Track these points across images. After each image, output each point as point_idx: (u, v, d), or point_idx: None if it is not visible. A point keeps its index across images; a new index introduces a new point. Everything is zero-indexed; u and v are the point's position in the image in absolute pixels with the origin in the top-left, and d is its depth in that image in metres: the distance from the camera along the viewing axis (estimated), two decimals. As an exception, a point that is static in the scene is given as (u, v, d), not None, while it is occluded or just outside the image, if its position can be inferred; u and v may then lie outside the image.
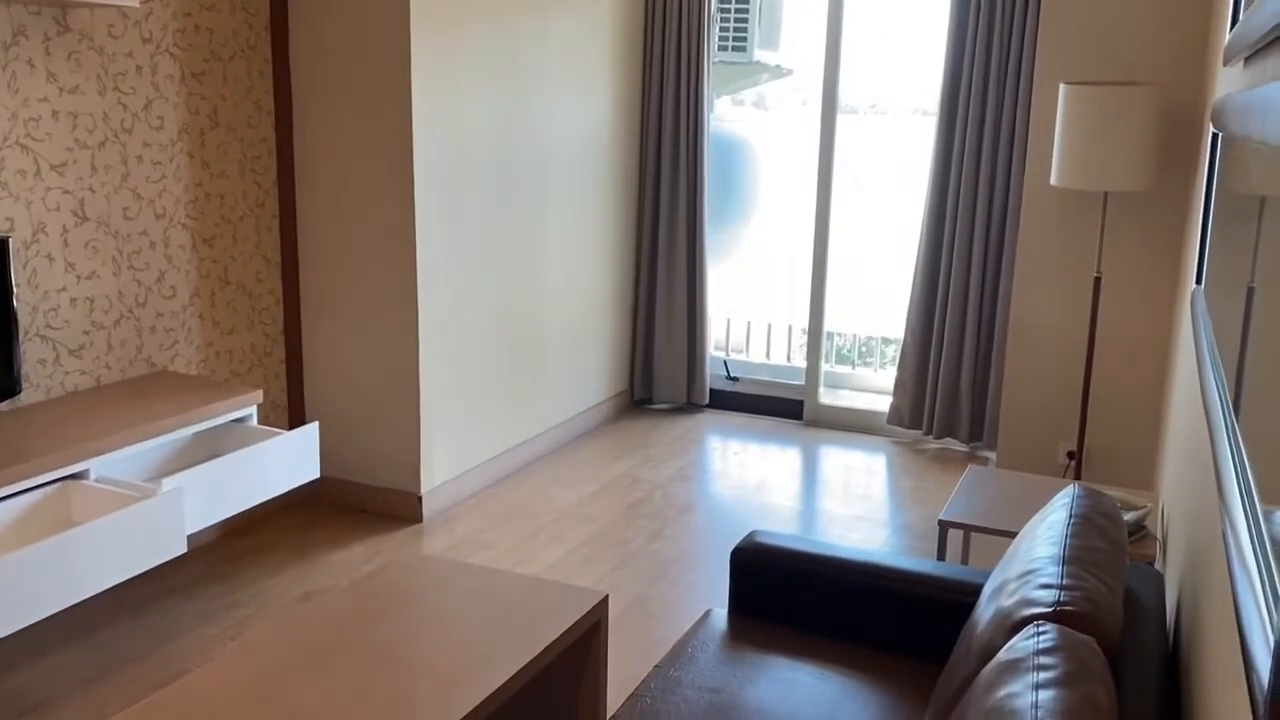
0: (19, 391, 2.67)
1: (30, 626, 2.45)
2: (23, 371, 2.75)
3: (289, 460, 3.00)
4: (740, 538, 3.63)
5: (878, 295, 5.21)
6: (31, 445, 2.53)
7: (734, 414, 5.08)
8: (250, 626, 2.95)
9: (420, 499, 3.68)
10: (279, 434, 2.99)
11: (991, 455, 4.45)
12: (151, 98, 3.10)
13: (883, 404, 4.80)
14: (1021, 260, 3.84)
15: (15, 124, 2.74)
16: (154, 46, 3.08)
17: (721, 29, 5.04)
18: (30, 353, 2.85)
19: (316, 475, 3.10)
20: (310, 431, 3.06)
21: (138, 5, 2.80)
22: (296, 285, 3.69)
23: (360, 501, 3.77)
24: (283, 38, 3.50)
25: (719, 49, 5.02)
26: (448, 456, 3.79)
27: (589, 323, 4.67)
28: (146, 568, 2.49)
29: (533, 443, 4.32)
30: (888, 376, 4.91)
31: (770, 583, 2.25)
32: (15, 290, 2.63)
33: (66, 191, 2.89)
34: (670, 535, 3.66)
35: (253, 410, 3.08)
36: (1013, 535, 2.58)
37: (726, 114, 5.34)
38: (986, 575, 2.11)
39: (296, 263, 3.68)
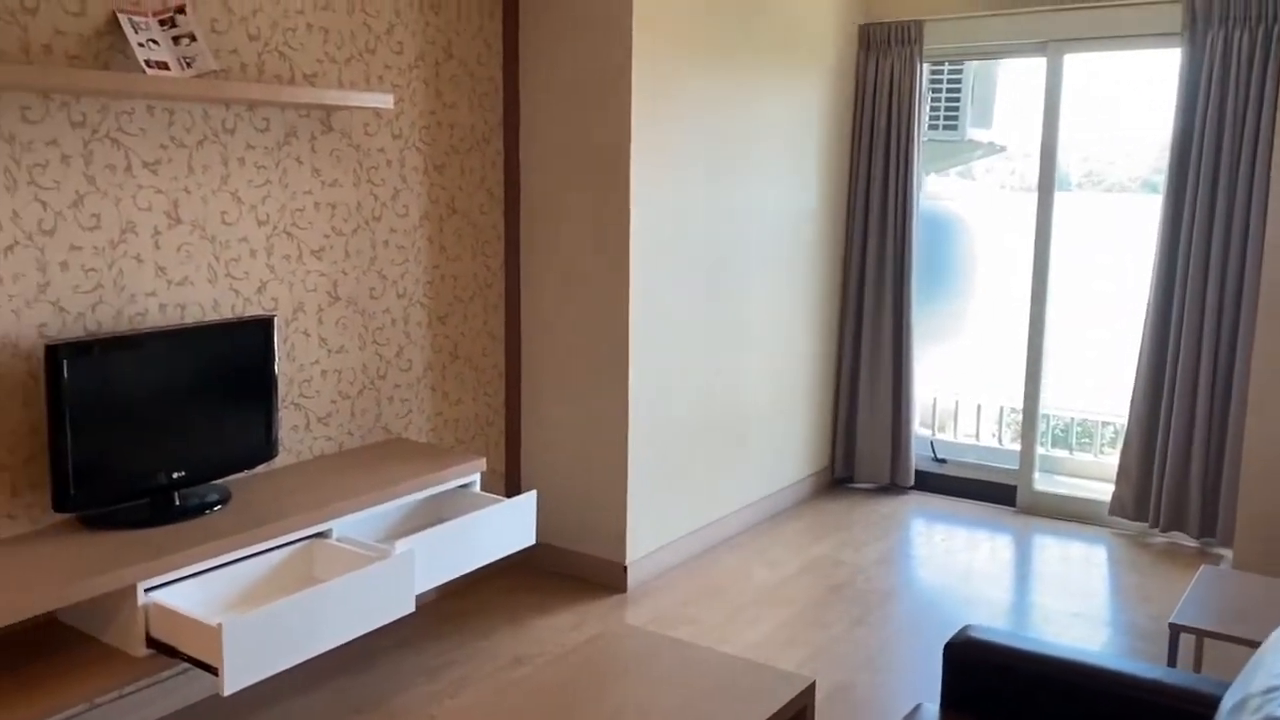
0: (275, 456, 2.95)
1: (272, 675, 2.68)
2: (279, 437, 3.04)
3: (508, 526, 3.15)
4: (947, 628, 3.53)
5: (1097, 376, 4.99)
6: (282, 506, 2.78)
7: (940, 497, 4.95)
8: (467, 685, 3.10)
9: (625, 569, 3.77)
10: (500, 501, 3.16)
11: (1226, 553, 4.15)
12: (399, 188, 3.39)
13: (1103, 492, 4.56)
14: (1262, 340, 3.60)
15: (284, 214, 3.06)
16: (403, 142, 3.39)
17: (932, 107, 5.04)
18: (285, 419, 3.14)
19: (533, 542, 3.25)
20: (528, 500, 3.21)
21: (391, 106, 3.09)
22: (518, 360, 3.91)
23: (569, 568, 3.90)
24: (514, 131, 3.77)
25: (929, 127, 5.01)
26: (652, 528, 3.88)
27: (791, 399, 4.69)
28: (379, 625, 2.67)
29: (733, 518, 4.36)
30: (1108, 463, 4.67)
31: (984, 680, 2.18)
32: (277, 363, 2.92)
33: (323, 274, 3.20)
34: (874, 622, 3.60)
35: (476, 477, 3.27)
36: (1255, 644, 2.40)
37: (935, 188, 5.29)
38: (1224, 687, 1.98)
39: (519, 339, 3.90)
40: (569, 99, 3.65)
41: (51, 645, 2.47)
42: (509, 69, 3.74)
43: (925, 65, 4.76)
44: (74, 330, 2.60)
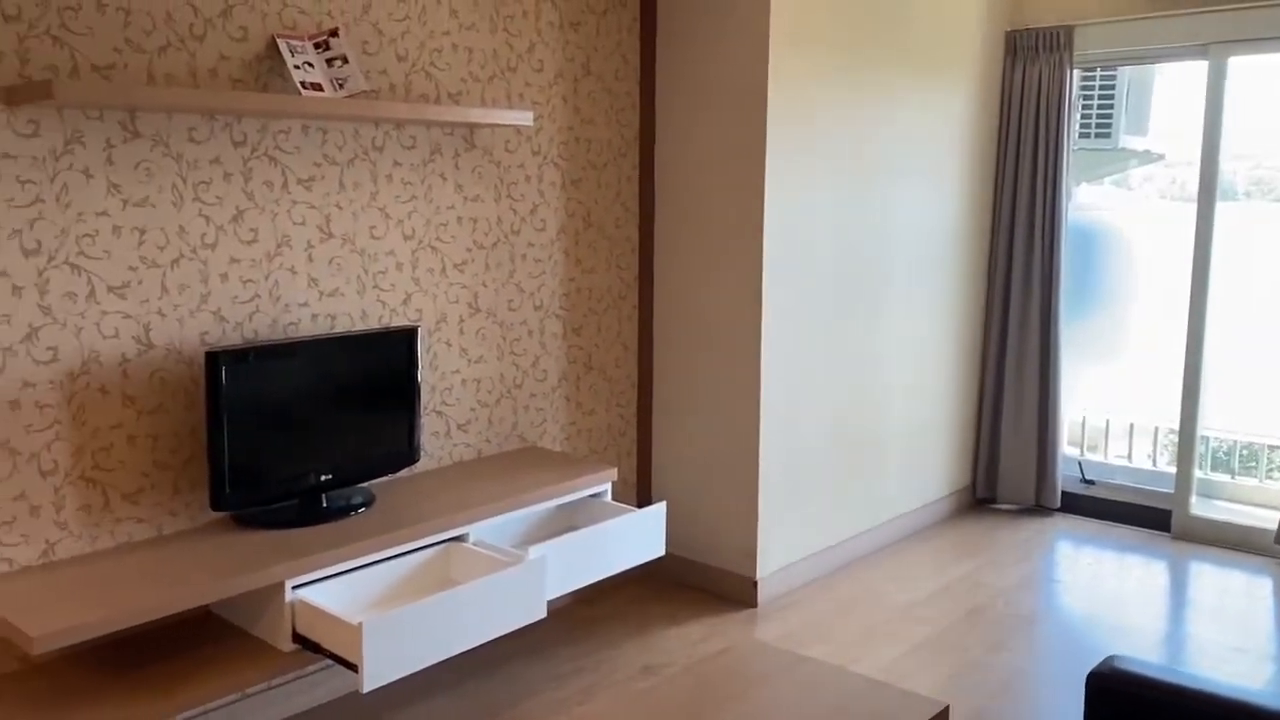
0: (417, 460, 3.05)
1: (410, 674, 2.77)
2: (421, 442, 3.14)
3: (638, 537, 3.17)
4: (1092, 657, 3.36)
5: (1263, 396, 4.69)
6: (422, 510, 2.87)
7: (1088, 520, 4.74)
8: (595, 694, 3.13)
9: (756, 584, 3.74)
10: (631, 511, 3.19)
11: None
12: (537, 203, 3.47)
13: (1269, 519, 4.28)
14: None
15: (429, 229, 3.17)
16: (541, 158, 3.46)
17: (1083, 115, 4.84)
18: (427, 426, 3.25)
19: (662, 553, 3.26)
20: (658, 511, 3.23)
21: (531, 123, 3.17)
22: (650, 371, 3.93)
23: (698, 580, 3.90)
24: (650, 145, 3.80)
25: (1080, 135, 4.82)
26: (783, 543, 3.84)
27: (930, 415, 4.58)
28: (511, 629, 2.73)
29: (867, 536, 4.27)
30: (1275, 488, 4.38)
31: (1129, 714, 2.08)
32: (420, 371, 3.02)
33: (464, 286, 3.29)
34: (1014, 647, 3.47)
35: (608, 487, 3.31)
36: None
37: (1086, 198, 5.08)
38: (1403, 738, 1.83)
39: (651, 350, 3.92)
40: (705, 112, 3.67)
41: (206, 637, 2.61)
42: (646, 83, 3.78)
43: (1076, 71, 4.59)
44: (232, 338, 2.75)
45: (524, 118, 3.11)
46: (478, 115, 3.00)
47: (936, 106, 4.32)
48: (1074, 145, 4.68)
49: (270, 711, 2.94)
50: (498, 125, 3.16)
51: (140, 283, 2.56)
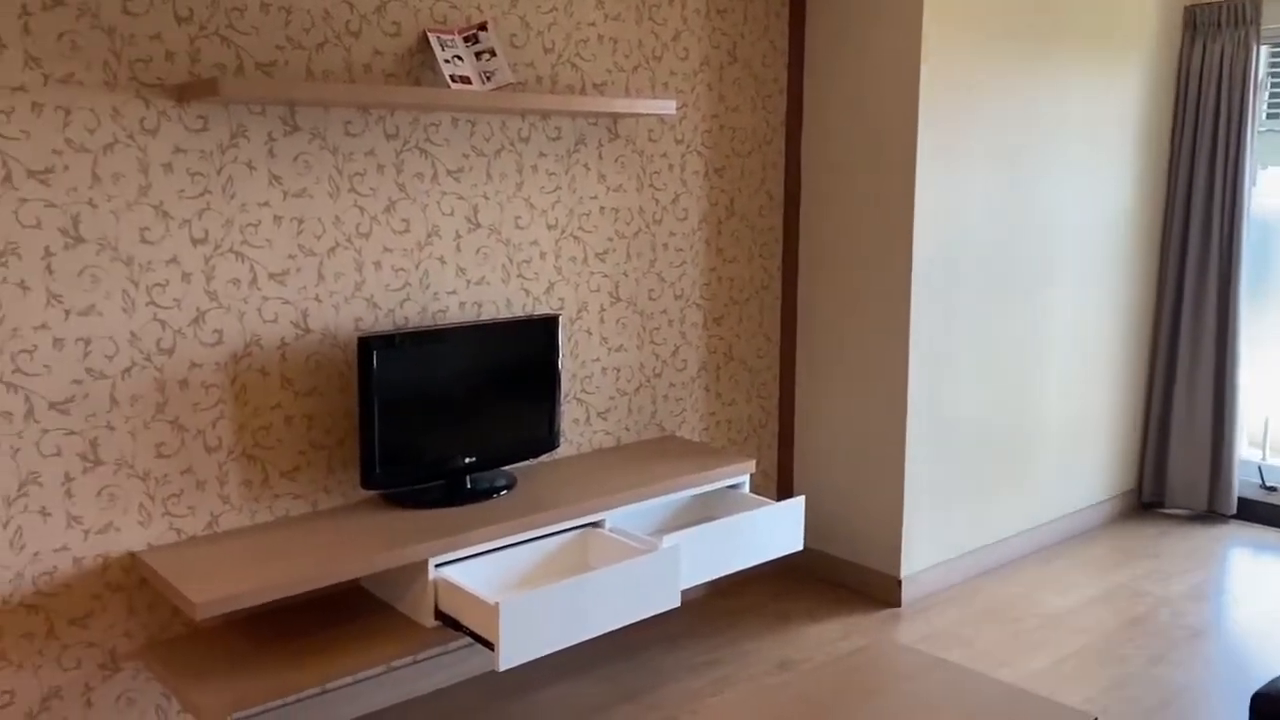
0: (557, 446, 3.10)
1: (547, 656, 2.82)
2: (561, 429, 3.19)
3: (776, 530, 3.14)
4: (1262, 676, 3.13)
5: None
6: (561, 495, 2.92)
7: (1267, 529, 4.42)
8: (730, 685, 3.11)
9: (899, 583, 3.65)
10: (769, 504, 3.15)
11: None
12: (679, 192, 3.47)
13: None
14: None
15: (572, 218, 3.21)
16: (684, 147, 3.46)
17: (1272, 94, 4.50)
18: (568, 413, 3.29)
19: (800, 547, 3.21)
20: (797, 505, 3.18)
21: (674, 112, 3.16)
22: (793, 363, 3.88)
23: (839, 576, 3.83)
24: (796, 133, 3.74)
25: (1267, 117, 4.48)
26: (929, 543, 3.73)
27: (1091, 415, 4.35)
28: (645, 615, 2.74)
29: (1022, 538, 4.10)
30: None
31: (1302, 742, 1.93)
32: (561, 359, 3.06)
33: (606, 275, 3.32)
34: (1176, 660, 3.26)
35: (746, 478, 3.28)
36: None
37: (1276, 185, 4.72)
38: None
39: (794, 342, 3.87)
40: (855, 96, 3.58)
41: (355, 610, 2.72)
42: (794, 69, 3.72)
43: (1263, 47, 4.26)
44: (384, 324, 2.86)
45: (667, 106, 3.11)
46: (622, 105, 3.01)
47: (1105, 88, 4.09)
48: (1259, 127, 4.35)
49: (414, 685, 3.05)
50: (641, 115, 3.17)
51: (299, 270, 2.69)
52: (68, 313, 2.35)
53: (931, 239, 3.52)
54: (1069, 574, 3.95)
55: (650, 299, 3.45)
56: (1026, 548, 4.13)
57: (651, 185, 3.39)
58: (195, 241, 2.51)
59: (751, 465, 3.26)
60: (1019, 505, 4.07)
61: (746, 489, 3.30)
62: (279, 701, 2.79)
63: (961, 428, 3.77)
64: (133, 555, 2.50)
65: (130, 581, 2.51)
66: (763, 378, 3.84)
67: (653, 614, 2.76)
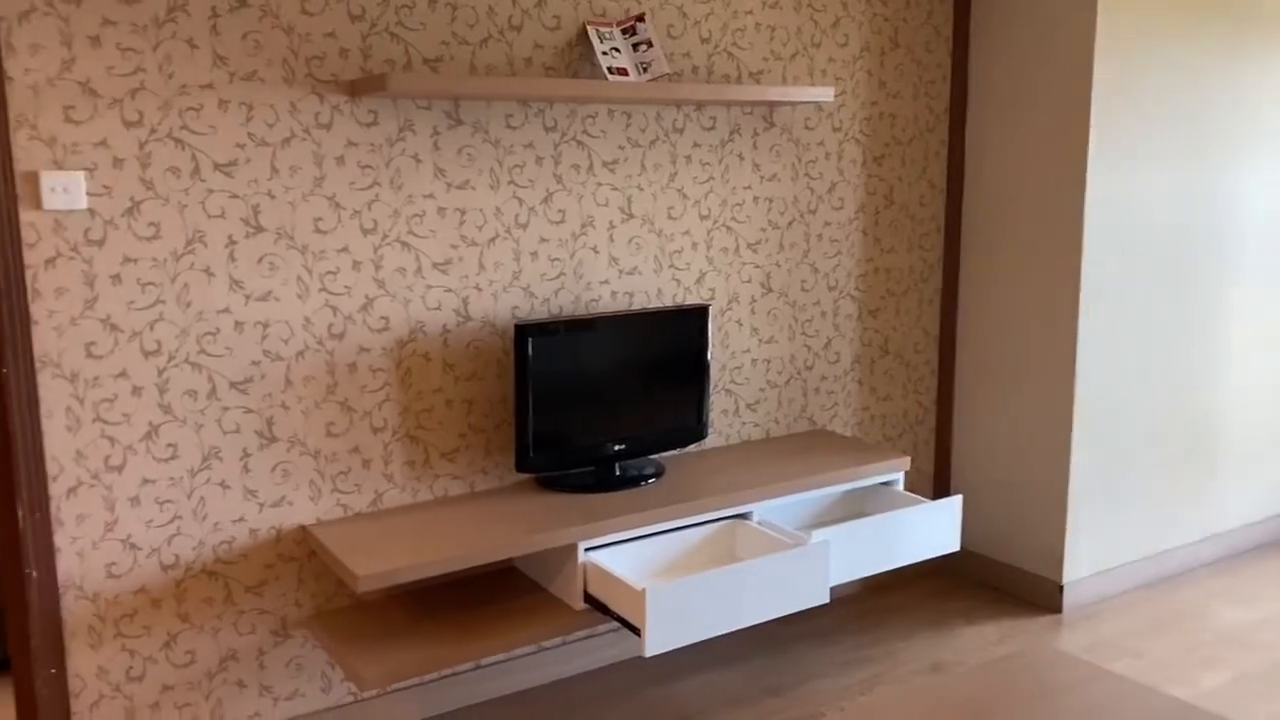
0: (705, 437, 3.10)
1: (694, 646, 2.83)
2: (710, 419, 3.19)
3: (931, 529, 3.05)
4: None
5: None
6: (709, 485, 2.92)
7: None
8: (880, 684, 3.05)
9: (1061, 588, 3.49)
10: (923, 502, 3.07)
11: None
12: (835, 181, 3.41)
13: None
14: None
15: (724, 208, 3.20)
16: (842, 135, 3.39)
17: None
18: (716, 404, 3.29)
19: (956, 548, 3.12)
20: (953, 504, 3.09)
21: (832, 99, 3.11)
22: (952, 358, 3.76)
23: (997, 579, 3.70)
24: (960, 119, 3.62)
25: None
26: (1095, 548, 3.56)
27: (1281, 418, 4.05)
28: (793, 610, 2.71)
29: (1199, 546, 3.86)
30: None
31: None
32: (710, 349, 3.06)
33: (757, 266, 3.30)
34: (1375, 687, 3.01)
35: (900, 476, 3.20)
36: None
37: None
38: None
39: (954, 336, 3.75)
40: (1023, 81, 3.44)
41: (509, 589, 2.80)
42: (958, 54, 3.60)
43: None
44: (540, 313, 2.92)
45: (825, 94, 3.06)
46: (778, 93, 2.98)
47: (1302, 67, 3.80)
48: None
49: (564, 666, 3.11)
50: (798, 102, 3.13)
51: (460, 260, 2.77)
52: (248, 298, 2.50)
53: (1104, 228, 3.35)
54: (1252, 585, 3.70)
55: (803, 290, 3.41)
56: (1204, 557, 3.89)
57: (807, 174, 3.35)
58: (365, 231, 2.62)
59: (906, 462, 3.18)
60: (1196, 511, 3.84)
61: (900, 486, 3.22)
62: (434, 675, 2.90)
63: (1132, 427, 3.57)
64: (303, 528, 2.64)
65: (300, 553, 2.65)
66: (920, 372, 3.74)
67: (801, 609, 2.73)
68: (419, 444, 2.78)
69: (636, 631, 2.49)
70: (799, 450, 3.26)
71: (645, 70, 2.86)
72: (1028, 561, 3.59)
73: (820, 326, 3.47)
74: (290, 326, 2.56)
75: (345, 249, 2.61)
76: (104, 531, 2.40)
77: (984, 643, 3.30)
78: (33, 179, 2.23)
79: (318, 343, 2.60)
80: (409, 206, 2.68)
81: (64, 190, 2.25)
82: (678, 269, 3.14)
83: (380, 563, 2.37)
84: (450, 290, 2.77)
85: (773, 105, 3.20)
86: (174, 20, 2.33)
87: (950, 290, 3.72)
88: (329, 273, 2.59)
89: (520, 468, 2.77)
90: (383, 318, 2.68)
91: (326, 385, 2.63)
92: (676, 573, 2.83)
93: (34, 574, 2.32)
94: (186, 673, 2.55)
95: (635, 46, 2.87)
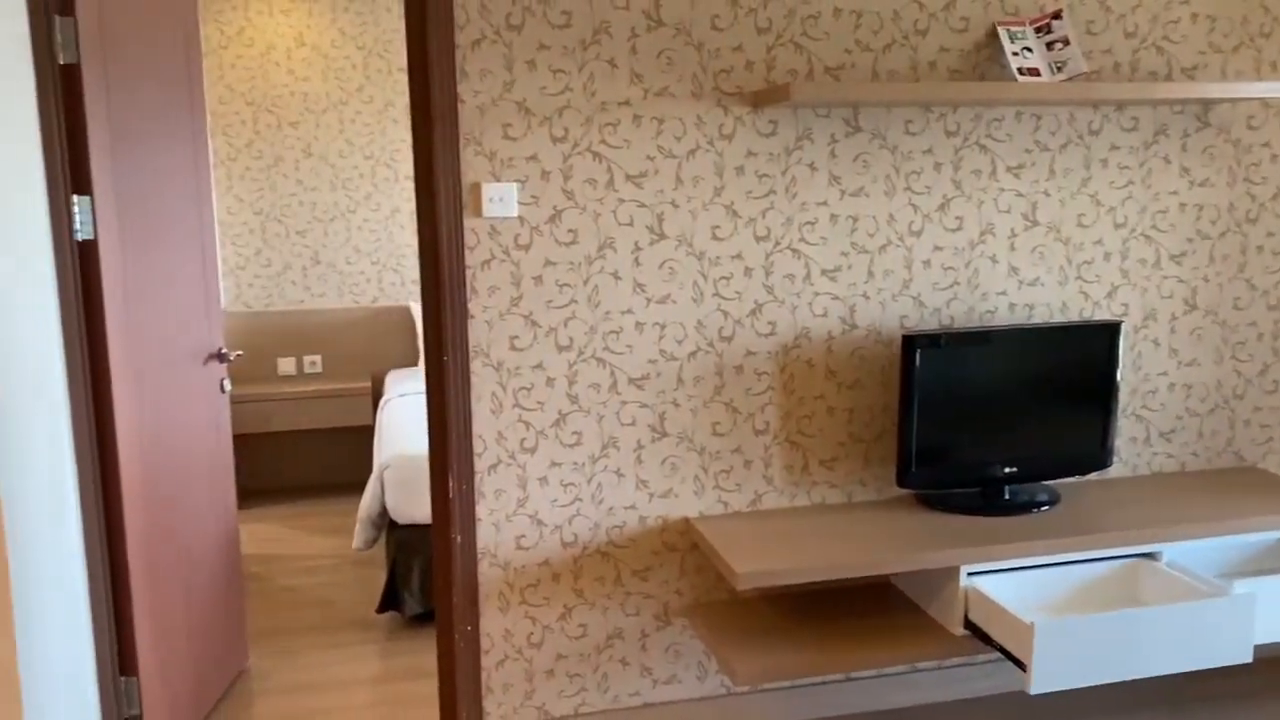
0: (1109, 465, 2.85)
1: (1083, 688, 2.60)
2: (1115, 447, 2.93)
3: (1387, 595, 2.60)
4: None
5: None
6: (1111, 518, 2.68)
7: None
8: (1309, 766, 2.65)
9: None
10: (1378, 562, 2.62)
11: None
12: (1282, 187, 3.00)
13: None
14: None
15: (1144, 216, 2.92)
16: (1293, 134, 2.98)
17: None
18: (1123, 430, 3.01)
19: None
20: None
21: (1282, 95, 2.74)
22: None
23: None
24: None
25: None
26: None
27: None
28: (1207, 665, 2.43)
29: None
30: None
31: None
32: (1120, 370, 2.81)
33: (1180, 280, 2.98)
34: None
35: (1349, 528, 2.76)
36: None
37: None
38: None
39: None
40: None
41: (883, 605, 2.75)
42: None
43: None
44: (929, 323, 2.83)
45: (1275, 89, 2.70)
46: (1217, 90, 2.67)
47: None
48: None
49: (935, 691, 3.00)
50: (1241, 99, 2.79)
51: (850, 267, 2.76)
52: (648, 300, 2.65)
53: None
54: None
55: (1235, 308, 3.03)
56: None
57: (1247, 179, 2.97)
58: (758, 239, 2.69)
59: (1358, 512, 2.73)
60: None
61: (1349, 540, 2.77)
62: (805, 680, 2.91)
63: None
64: (687, 520, 2.75)
65: (683, 544, 2.77)
66: (1380, 409, 3.20)
67: (1217, 665, 2.44)
68: (798, 449, 2.80)
69: (1021, 666, 2.34)
70: (1221, 488, 2.91)
71: (1060, 70, 2.68)
72: None
73: (1255, 350, 3.07)
74: (684, 328, 2.68)
75: (738, 255, 2.68)
76: (516, 506, 2.65)
77: None
78: (476, 190, 2.50)
79: (708, 344, 2.70)
80: (802, 214, 2.70)
81: (500, 200, 2.52)
82: (1086, 281, 2.92)
83: (760, 562, 2.41)
84: (837, 297, 2.76)
85: (1209, 103, 2.88)
86: (598, 42, 2.52)
87: None
88: (722, 278, 2.68)
89: (901, 482, 2.70)
90: (770, 323, 2.73)
91: (714, 386, 2.73)
92: (1064, 609, 2.63)
93: (459, 539, 2.61)
94: (578, 644, 2.76)
95: (1049, 45, 2.70)
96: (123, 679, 2.59)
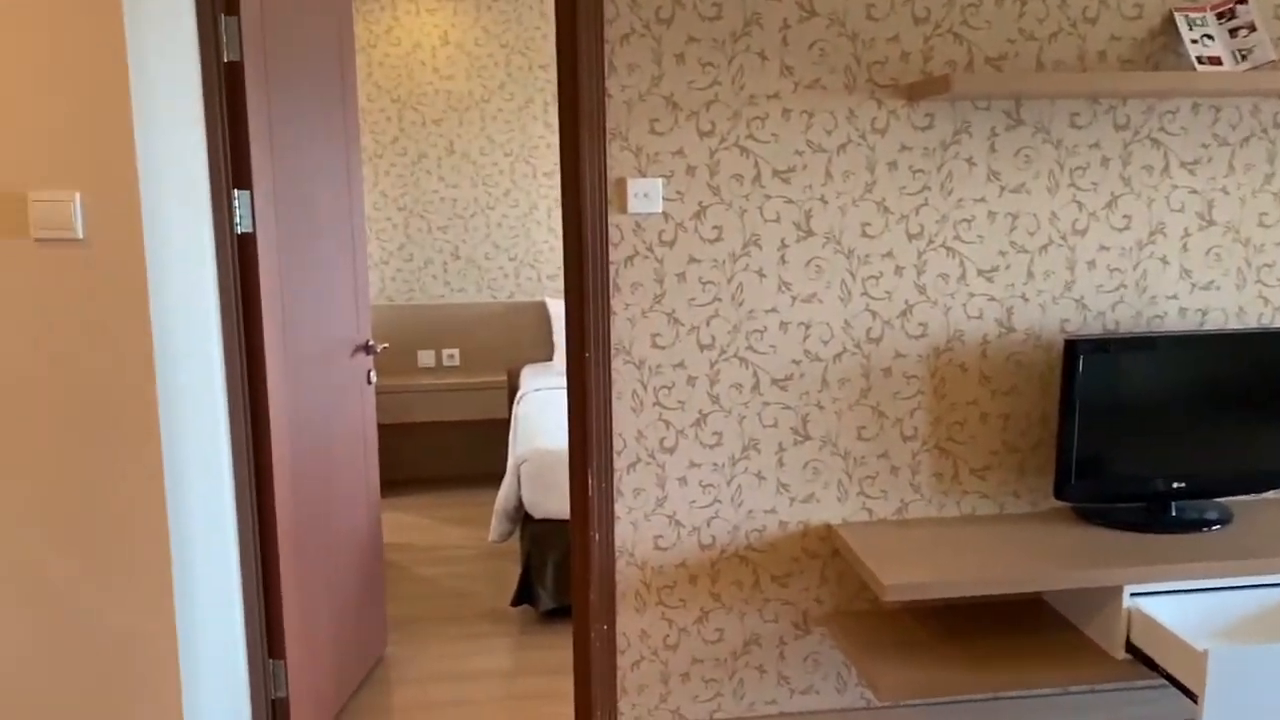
0: (1290, 483, 2.65)
1: None
2: (1296, 464, 2.72)
3: None
4: None
5: None
6: (1294, 540, 2.49)
7: None
8: None
9: None
10: None
11: None
12: None
13: None
14: None
15: (1335, 216, 2.70)
16: None
17: None
18: (1306, 446, 2.79)
19: None
20: None
21: None
22: None
23: None
24: None
25: None
26: None
27: None
28: (1401, 708, 2.22)
29: None
30: None
31: None
32: (1305, 382, 2.60)
33: (1376, 285, 2.75)
34: None
35: None
36: None
37: None
38: None
39: None
40: None
41: (1036, 623, 2.61)
42: None
43: None
44: (1093, 327, 2.68)
45: None
46: None
47: None
48: None
49: (1089, 716, 2.85)
50: None
51: (1007, 267, 2.63)
52: (794, 299, 2.58)
53: None
54: None
55: None
56: None
57: None
58: (910, 236, 2.59)
59: None
60: None
61: None
62: (950, 698, 2.80)
63: None
64: (829, 527, 2.67)
65: (824, 551, 2.69)
66: None
67: None
68: (948, 456, 2.69)
69: (1192, 697, 2.19)
70: None
71: (1244, 58, 2.49)
72: None
73: None
74: (830, 328, 2.60)
75: (889, 254, 2.59)
76: (654, 506, 2.62)
77: None
78: (621, 185, 2.48)
79: (855, 346, 2.62)
80: (957, 211, 2.59)
81: (645, 195, 2.48)
82: (1266, 285, 2.71)
83: (907, 573, 2.32)
84: (994, 299, 2.64)
85: None
86: (748, 34, 2.46)
87: None
88: (871, 277, 2.59)
89: (1059, 494, 2.56)
90: (921, 324, 2.63)
91: (860, 388, 2.64)
92: (1239, 637, 2.45)
93: (597, 536, 2.59)
94: (714, 649, 2.71)
95: (1233, 32, 2.51)
96: (271, 662, 2.66)
